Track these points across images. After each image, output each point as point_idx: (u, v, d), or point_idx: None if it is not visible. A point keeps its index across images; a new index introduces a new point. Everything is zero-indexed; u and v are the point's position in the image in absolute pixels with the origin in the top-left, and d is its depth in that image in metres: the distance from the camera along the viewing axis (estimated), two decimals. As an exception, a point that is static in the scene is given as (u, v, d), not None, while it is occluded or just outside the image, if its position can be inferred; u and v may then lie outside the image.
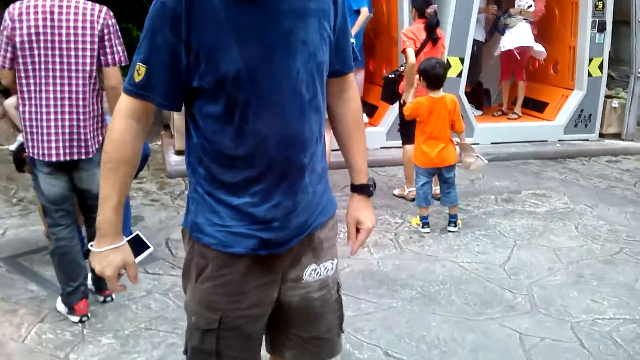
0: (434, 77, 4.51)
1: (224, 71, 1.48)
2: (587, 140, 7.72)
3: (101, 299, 3.46)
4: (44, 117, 3.02)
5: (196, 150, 1.60)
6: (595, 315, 3.49)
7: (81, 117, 3.08)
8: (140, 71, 1.51)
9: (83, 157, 3.11)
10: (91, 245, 1.61)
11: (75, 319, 3.24)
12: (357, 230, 1.87)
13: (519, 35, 7.53)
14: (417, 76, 4.69)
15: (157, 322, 3.27)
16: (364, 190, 1.87)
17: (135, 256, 1.67)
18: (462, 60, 6.94)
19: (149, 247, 1.76)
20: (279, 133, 1.55)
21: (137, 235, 1.74)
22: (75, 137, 3.08)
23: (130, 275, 1.67)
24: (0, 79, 3.11)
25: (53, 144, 3.04)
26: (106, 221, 1.58)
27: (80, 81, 3.04)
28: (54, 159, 3.06)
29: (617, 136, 7.97)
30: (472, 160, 4.70)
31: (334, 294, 1.83)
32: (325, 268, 1.76)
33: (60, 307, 3.31)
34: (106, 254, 1.60)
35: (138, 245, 1.70)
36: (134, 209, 5.00)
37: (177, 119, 6.32)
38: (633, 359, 3.07)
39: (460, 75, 6.96)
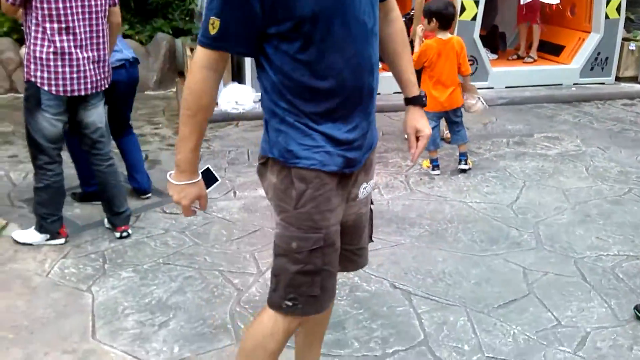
0: (445, 16, 4.49)
1: (300, 14, 1.58)
2: (603, 83, 7.65)
3: (117, 234, 3.62)
4: (75, 54, 3.23)
5: (276, 86, 1.69)
6: (599, 251, 3.57)
7: (102, 52, 3.38)
8: (214, 25, 1.61)
9: (105, 87, 3.43)
10: (170, 176, 1.83)
11: (62, 240, 3.53)
12: (417, 138, 2.05)
13: None
14: (421, 26, 4.69)
15: (174, 258, 3.41)
16: (418, 101, 2.04)
17: (207, 188, 1.86)
18: (476, 3, 6.85)
19: (217, 179, 1.93)
20: (353, 62, 1.69)
21: (208, 168, 1.90)
22: (100, 70, 3.38)
23: (202, 205, 1.86)
24: (4, 11, 3.29)
25: (86, 79, 3.30)
26: (185, 160, 1.78)
27: (101, 20, 3.34)
28: (87, 92, 3.33)
29: (633, 79, 7.88)
30: (473, 102, 4.70)
31: (370, 207, 2.03)
32: (371, 185, 1.95)
33: (37, 237, 3.50)
34: (184, 187, 1.81)
35: (208, 178, 1.87)
36: (151, 154, 5.13)
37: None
38: (634, 292, 3.16)
39: (474, 18, 6.89)
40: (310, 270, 1.77)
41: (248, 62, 6.32)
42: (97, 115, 3.46)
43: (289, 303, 1.80)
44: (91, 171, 3.71)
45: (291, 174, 1.74)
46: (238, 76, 6.51)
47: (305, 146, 1.71)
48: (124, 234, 3.63)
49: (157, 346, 2.66)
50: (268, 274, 3.22)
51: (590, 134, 5.93)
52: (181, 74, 7.40)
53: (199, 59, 1.67)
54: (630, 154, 5.35)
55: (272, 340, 1.86)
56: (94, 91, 3.36)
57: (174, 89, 7.26)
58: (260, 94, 1.79)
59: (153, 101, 6.89)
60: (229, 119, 6.11)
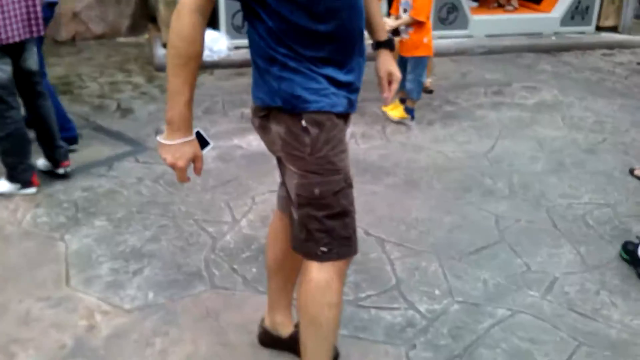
0: None
1: None
2: (584, 33, 7.62)
3: (62, 171, 3.64)
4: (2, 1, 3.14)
5: (273, 32, 1.63)
6: (571, 199, 3.62)
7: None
8: None
9: (40, 34, 3.36)
10: (160, 137, 1.67)
11: (33, 190, 3.49)
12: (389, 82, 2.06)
13: None
14: None
15: (148, 207, 3.39)
16: (388, 44, 2.06)
17: None
18: None
19: (209, 143, 1.76)
20: (349, 4, 1.67)
21: (198, 131, 1.73)
22: (32, 15, 3.28)
23: (197, 168, 1.73)
24: None
25: (14, 25, 3.18)
26: (179, 116, 1.63)
27: None
28: (17, 39, 3.21)
29: (614, 29, 7.87)
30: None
31: None
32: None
33: (8, 186, 3.46)
34: (179, 146, 1.65)
35: (199, 141, 1.72)
36: (123, 102, 5.05)
37: (163, 10, 6.21)
38: (603, 239, 3.23)
39: None
40: (338, 213, 1.77)
41: (222, 7, 6.18)
42: (34, 61, 3.42)
43: (324, 249, 1.79)
44: (65, 117, 3.68)
45: (302, 120, 1.69)
46: (212, 22, 6.36)
47: (312, 90, 1.67)
48: (67, 169, 3.65)
49: (131, 293, 2.67)
50: (243, 222, 3.24)
51: (568, 84, 5.94)
52: (153, 20, 7.22)
53: (187, 2, 1.57)
54: (607, 103, 5.38)
55: (331, 292, 1.84)
56: (27, 36, 3.28)
57: (147, 36, 7.10)
58: (246, 42, 1.74)
59: (125, 48, 6.74)
60: (202, 67, 6.00)
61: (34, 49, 3.42)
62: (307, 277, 1.86)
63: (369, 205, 3.44)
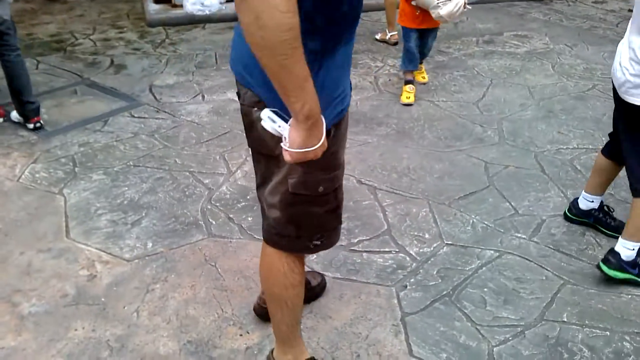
0: None
1: None
2: (576, -20, 7.55)
3: (31, 126, 3.74)
4: None
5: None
6: (559, 145, 3.68)
7: None
8: None
9: None
10: (292, 146, 1.38)
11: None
12: None
13: None
14: None
15: (144, 160, 3.45)
16: None
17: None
18: None
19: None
20: None
21: (276, 111, 1.44)
22: None
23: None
24: None
25: None
26: (316, 103, 1.33)
27: None
28: None
29: (607, -24, 7.80)
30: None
31: None
32: None
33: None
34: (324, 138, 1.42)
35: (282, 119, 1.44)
36: (116, 58, 5.04)
37: (155, -35, 6.15)
38: (589, 183, 3.30)
39: None
40: (336, 207, 1.73)
41: (213, -39, 6.11)
42: (2, 8, 3.44)
43: (317, 242, 1.75)
44: None
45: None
46: (203, -23, 6.30)
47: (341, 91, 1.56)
48: (37, 124, 3.73)
49: (130, 243, 2.75)
50: (238, 174, 3.30)
51: (559, 32, 5.94)
52: (145, -24, 7.14)
53: None
54: (597, 50, 5.40)
55: (294, 275, 1.82)
56: None
57: (139, -9, 7.03)
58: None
59: (117, 5, 6.68)
60: (194, 21, 5.99)
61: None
62: (270, 261, 1.83)
63: (361, 155, 3.51)
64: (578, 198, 2.93)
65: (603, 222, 2.87)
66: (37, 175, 3.28)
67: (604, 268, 2.51)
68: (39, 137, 3.65)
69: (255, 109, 1.55)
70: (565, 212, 2.97)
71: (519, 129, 3.88)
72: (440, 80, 4.67)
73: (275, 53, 1.21)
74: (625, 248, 2.50)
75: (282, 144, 1.41)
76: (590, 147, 3.69)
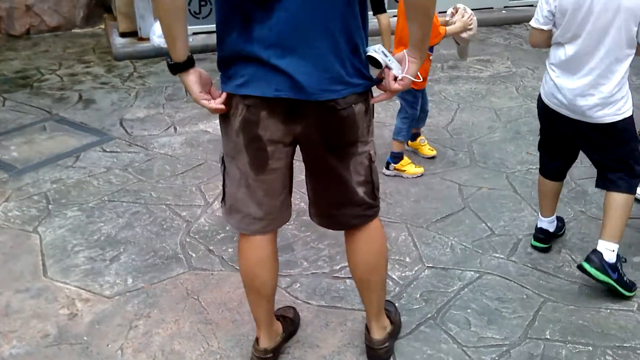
0: None
1: None
2: (532, 5, 7.80)
3: None
4: None
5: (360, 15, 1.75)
6: (529, 165, 3.77)
7: None
8: None
9: None
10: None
11: None
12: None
13: None
14: None
15: (119, 195, 3.42)
16: None
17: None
18: None
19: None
20: None
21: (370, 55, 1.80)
22: None
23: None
24: None
25: None
26: None
27: None
28: None
29: (561, 0, 8.07)
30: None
31: None
32: None
33: None
34: None
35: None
36: (85, 93, 5.01)
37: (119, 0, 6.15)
38: (561, 201, 3.36)
39: None
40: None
41: (179, -6, 6.14)
42: None
43: (378, 202, 2.06)
44: None
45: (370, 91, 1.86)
46: (169, 10, 6.33)
47: None
48: None
49: (110, 279, 2.71)
50: (215, 205, 3.29)
51: (520, 55, 6.11)
52: (108, 10, 7.13)
53: None
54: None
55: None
56: None
57: (102, 26, 7.01)
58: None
59: (81, 39, 6.65)
60: (162, 54, 5.98)
61: None
62: (377, 237, 2.08)
63: (337, 182, 3.53)
64: (540, 226, 2.93)
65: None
66: (9, 214, 3.22)
67: (587, 266, 2.52)
68: (10, 175, 3.60)
69: (355, 103, 1.78)
70: (534, 244, 2.95)
71: (489, 151, 3.97)
72: (409, 106, 4.75)
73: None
74: (606, 250, 2.55)
75: (395, 73, 1.77)
76: (559, 166, 3.79)
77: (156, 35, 5.92)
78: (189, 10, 6.22)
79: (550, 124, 2.72)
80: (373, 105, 1.88)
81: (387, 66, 1.78)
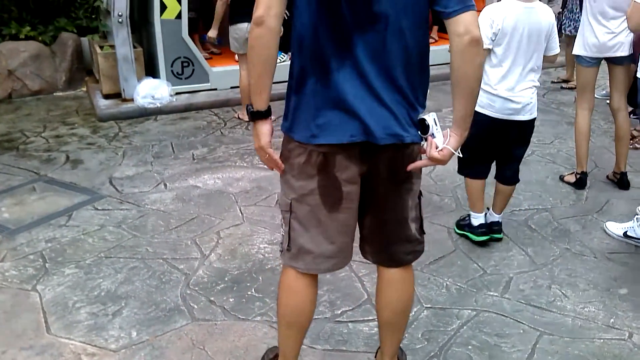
0: None
1: None
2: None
3: None
4: None
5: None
6: (512, 208, 3.92)
7: None
8: None
9: None
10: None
11: None
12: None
13: None
14: None
15: (115, 251, 3.45)
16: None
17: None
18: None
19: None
20: None
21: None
22: None
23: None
24: None
25: None
26: None
27: None
28: None
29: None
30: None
31: None
32: None
33: None
34: None
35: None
36: (72, 153, 5.07)
37: (102, 62, 6.29)
38: (546, 240, 3.53)
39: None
40: None
41: (161, 56, 6.31)
42: None
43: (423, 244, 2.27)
44: None
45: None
46: (152, 71, 6.49)
47: None
48: None
49: (114, 333, 2.73)
50: (212, 257, 3.35)
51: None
52: (90, 72, 7.26)
53: None
54: (530, 119, 5.81)
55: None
56: None
57: (84, 88, 7.11)
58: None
59: (64, 102, 6.72)
60: (146, 114, 6.10)
61: None
62: (409, 278, 2.18)
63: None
64: (480, 222, 3.46)
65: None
66: (6, 273, 3.23)
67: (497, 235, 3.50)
68: (4, 236, 3.61)
69: (415, 145, 1.96)
70: (479, 239, 3.45)
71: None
72: (392, 155, 4.91)
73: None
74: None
75: (438, 142, 1.91)
76: (540, 207, 3.95)
77: (140, 96, 6.05)
78: (172, 71, 6.39)
79: (494, 132, 3.26)
80: None
81: (432, 134, 1.90)
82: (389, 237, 2.08)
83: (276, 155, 1.99)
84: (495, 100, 3.19)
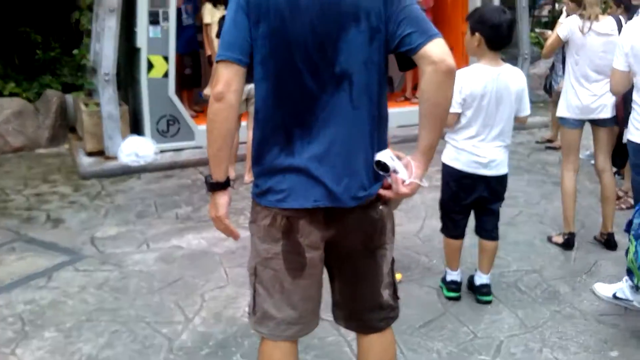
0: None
1: None
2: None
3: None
4: None
5: None
6: (502, 269, 3.89)
7: None
8: None
9: None
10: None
11: None
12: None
13: None
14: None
15: (97, 314, 3.35)
16: None
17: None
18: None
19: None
20: None
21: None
22: None
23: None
24: None
25: None
26: None
27: None
28: None
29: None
30: None
31: None
32: None
33: None
34: None
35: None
36: (52, 212, 4.98)
37: (87, 120, 6.27)
38: (535, 302, 3.49)
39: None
40: None
41: (147, 113, 6.31)
42: None
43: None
44: None
45: None
46: (136, 128, 6.48)
47: None
48: None
49: (94, 402, 2.62)
50: (196, 320, 3.27)
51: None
52: (73, 130, 7.23)
53: None
54: (516, 179, 5.81)
55: None
56: None
57: (67, 146, 7.06)
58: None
59: (46, 159, 6.67)
60: (129, 172, 6.04)
61: None
62: (388, 342, 2.13)
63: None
64: (453, 279, 3.54)
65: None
66: (-18, 338, 3.11)
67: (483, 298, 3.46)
68: (-19, 298, 3.49)
69: (381, 204, 1.93)
70: (449, 295, 3.51)
71: (462, 256, 4.07)
72: (378, 215, 4.89)
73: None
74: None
75: (403, 177, 1.84)
76: (529, 268, 3.93)
77: (124, 154, 6.01)
78: (157, 129, 6.38)
79: (463, 186, 3.36)
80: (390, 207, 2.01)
81: (394, 170, 1.86)
82: (362, 304, 2.05)
83: (232, 226, 2.01)
84: (461, 153, 3.29)
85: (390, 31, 1.80)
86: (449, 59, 1.75)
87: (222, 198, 1.94)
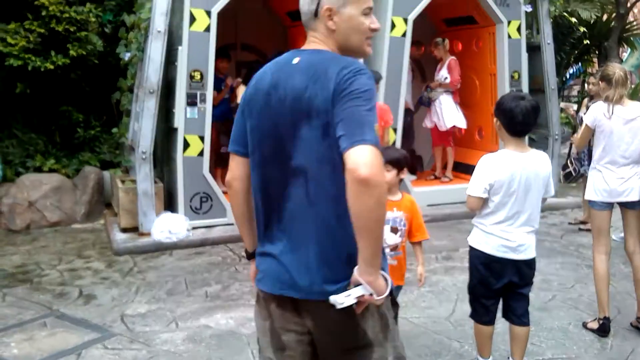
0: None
1: None
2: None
3: None
4: None
5: None
6: (536, 356, 3.77)
7: None
8: None
9: None
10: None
11: None
12: None
13: (444, 115, 8.10)
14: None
15: (123, 395, 3.32)
16: None
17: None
18: (395, 130, 7.34)
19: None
20: None
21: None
22: None
23: None
24: None
25: None
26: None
27: None
28: None
29: (540, 193, 8.53)
30: None
31: None
32: None
33: None
34: None
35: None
36: (85, 288, 5.03)
37: (122, 196, 6.42)
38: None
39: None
40: None
41: (181, 191, 6.44)
42: None
43: None
44: None
45: None
46: (170, 204, 6.60)
47: None
48: None
49: None
50: (223, 404, 3.19)
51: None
52: (109, 206, 7.39)
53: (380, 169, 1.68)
54: (549, 262, 5.74)
55: None
56: None
57: (102, 221, 7.21)
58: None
59: (81, 234, 6.80)
60: (162, 248, 6.11)
61: None
62: None
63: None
64: None
65: None
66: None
67: None
68: (9, 377, 3.50)
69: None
70: None
71: (494, 342, 3.95)
72: (409, 297, 4.81)
73: (383, 223, 1.73)
74: None
75: (372, 298, 1.75)
76: (564, 356, 3.80)
77: (158, 231, 6.10)
78: (190, 206, 6.48)
79: (492, 270, 3.33)
80: (383, 307, 1.93)
81: (356, 298, 1.77)
82: None
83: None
84: (489, 237, 3.29)
85: (333, 131, 1.78)
86: (364, 168, 1.64)
87: (251, 266, 2.13)
